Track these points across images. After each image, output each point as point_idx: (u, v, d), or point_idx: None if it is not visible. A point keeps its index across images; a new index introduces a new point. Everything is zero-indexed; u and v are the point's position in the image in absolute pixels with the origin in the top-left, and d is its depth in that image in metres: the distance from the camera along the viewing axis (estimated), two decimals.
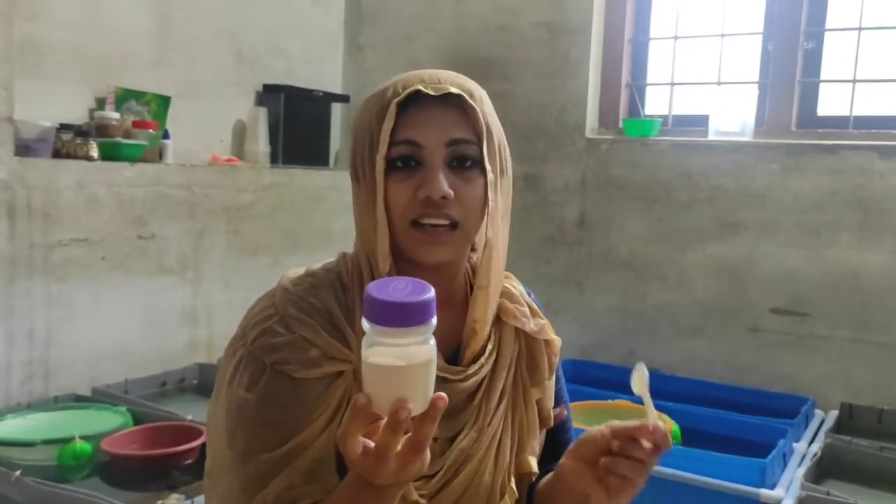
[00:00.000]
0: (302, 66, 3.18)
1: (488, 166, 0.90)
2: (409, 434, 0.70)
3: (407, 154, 0.88)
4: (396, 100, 0.88)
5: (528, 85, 3.00)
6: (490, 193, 0.91)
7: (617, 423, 0.89)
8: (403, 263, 0.91)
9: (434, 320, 0.69)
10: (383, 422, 0.70)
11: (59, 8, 2.35)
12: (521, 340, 1.01)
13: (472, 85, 0.93)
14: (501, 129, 0.95)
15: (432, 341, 0.70)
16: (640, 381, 0.90)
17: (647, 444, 0.86)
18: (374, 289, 0.68)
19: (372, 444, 0.70)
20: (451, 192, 0.88)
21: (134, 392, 2.32)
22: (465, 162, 0.90)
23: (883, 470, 1.98)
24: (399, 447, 0.70)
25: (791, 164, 2.54)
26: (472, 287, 0.97)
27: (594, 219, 2.89)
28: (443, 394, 0.70)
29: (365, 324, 0.68)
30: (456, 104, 0.90)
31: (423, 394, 0.69)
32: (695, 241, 2.71)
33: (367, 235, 0.92)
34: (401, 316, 0.67)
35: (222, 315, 2.67)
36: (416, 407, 0.68)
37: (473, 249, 1.00)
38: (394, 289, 0.68)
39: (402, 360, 0.68)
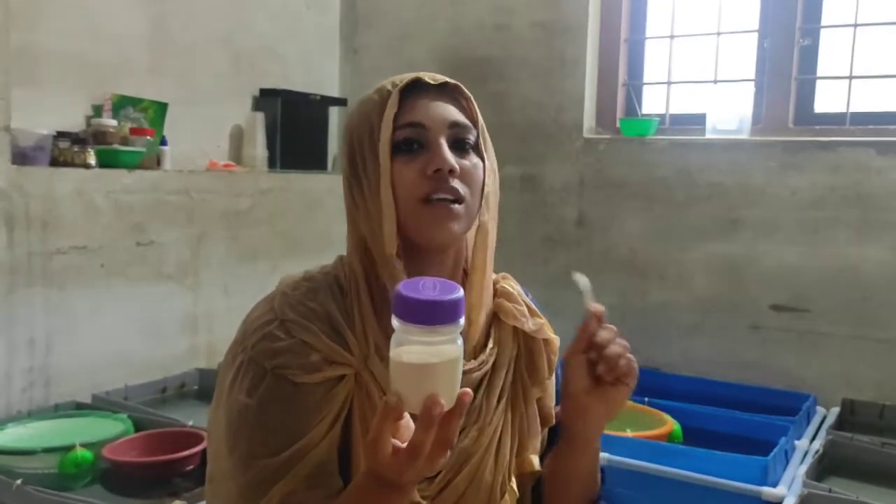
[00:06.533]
0: (298, 71, 3.18)
1: (486, 153, 0.94)
2: (437, 432, 0.71)
3: (411, 137, 0.90)
4: (399, 87, 0.91)
5: (525, 85, 3.00)
6: (487, 178, 0.93)
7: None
8: (407, 251, 0.91)
9: (462, 320, 0.71)
10: (403, 422, 0.73)
11: (55, 16, 2.35)
12: (519, 340, 1.01)
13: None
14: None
15: (460, 340, 0.72)
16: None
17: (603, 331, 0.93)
18: (405, 288, 0.70)
19: (401, 444, 0.71)
20: (458, 167, 0.90)
21: (134, 399, 2.32)
22: (465, 145, 0.93)
23: (885, 466, 1.98)
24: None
25: (789, 161, 2.54)
26: (467, 276, 0.97)
27: (593, 218, 2.89)
28: (468, 389, 0.72)
29: (395, 322, 0.70)
30: (451, 96, 0.94)
31: (451, 390, 0.71)
32: (694, 239, 2.71)
33: (370, 223, 0.91)
34: (433, 314, 0.69)
35: (222, 320, 2.66)
36: (446, 403, 0.70)
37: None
38: (423, 287, 0.70)
39: (434, 357, 0.70)
